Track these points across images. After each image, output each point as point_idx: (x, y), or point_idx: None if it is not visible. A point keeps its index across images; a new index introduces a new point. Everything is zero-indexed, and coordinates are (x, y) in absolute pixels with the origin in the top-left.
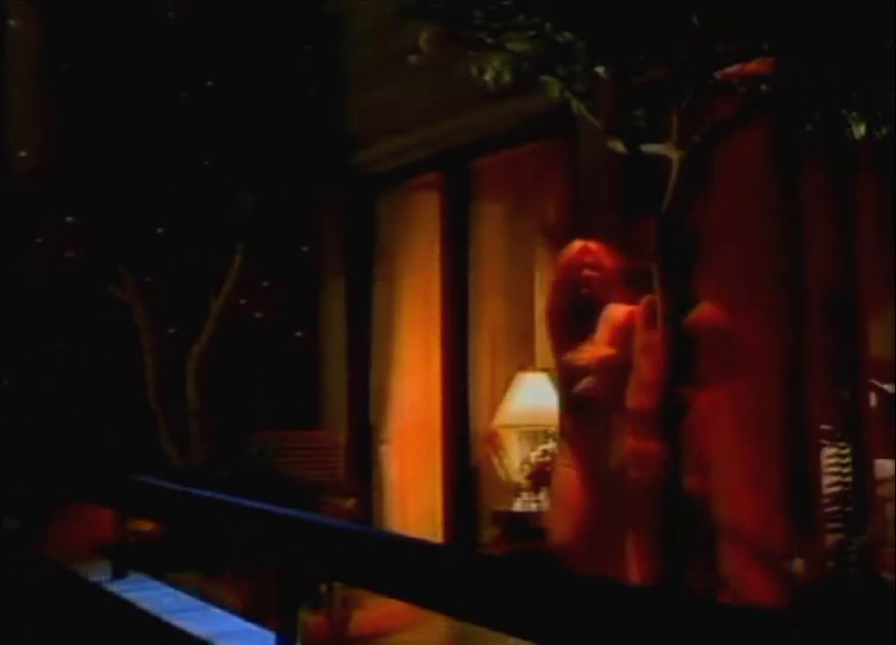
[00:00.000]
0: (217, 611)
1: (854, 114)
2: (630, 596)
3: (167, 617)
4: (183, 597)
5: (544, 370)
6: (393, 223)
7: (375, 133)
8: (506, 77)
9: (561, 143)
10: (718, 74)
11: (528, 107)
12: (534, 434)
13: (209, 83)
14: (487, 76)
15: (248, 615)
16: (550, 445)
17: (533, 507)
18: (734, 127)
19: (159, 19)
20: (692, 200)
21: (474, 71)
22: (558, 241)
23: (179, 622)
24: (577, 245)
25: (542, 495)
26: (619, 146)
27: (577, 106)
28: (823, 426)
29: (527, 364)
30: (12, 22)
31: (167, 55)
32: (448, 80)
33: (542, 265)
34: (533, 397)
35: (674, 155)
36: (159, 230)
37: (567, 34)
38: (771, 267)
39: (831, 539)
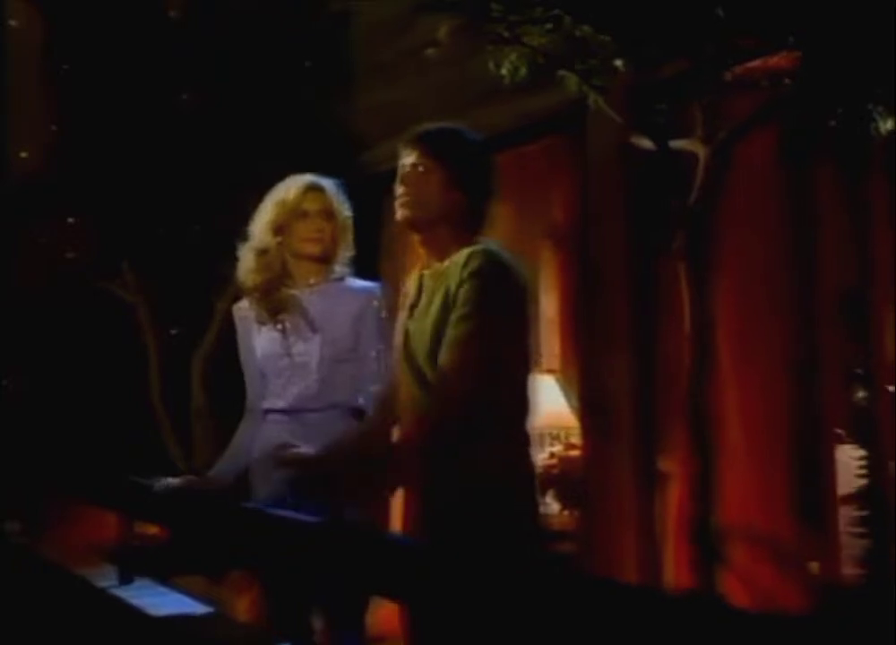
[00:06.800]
0: (226, 617)
1: (880, 108)
2: (642, 599)
3: (174, 623)
4: (190, 602)
5: (550, 372)
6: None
7: (382, 132)
8: (523, 72)
9: (570, 141)
10: (740, 69)
11: (536, 104)
12: (540, 437)
13: (211, 83)
14: (504, 71)
15: (258, 621)
16: (556, 448)
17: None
18: (760, 122)
19: (160, 18)
20: (717, 196)
21: (490, 66)
22: (565, 240)
23: (187, 628)
24: None
25: (549, 498)
26: (645, 142)
27: (595, 100)
28: (838, 428)
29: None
30: (12, 22)
31: (168, 55)
32: (455, 78)
33: (548, 265)
34: (540, 399)
35: (700, 151)
36: (163, 229)
37: (586, 28)
38: (784, 267)
39: (846, 542)
